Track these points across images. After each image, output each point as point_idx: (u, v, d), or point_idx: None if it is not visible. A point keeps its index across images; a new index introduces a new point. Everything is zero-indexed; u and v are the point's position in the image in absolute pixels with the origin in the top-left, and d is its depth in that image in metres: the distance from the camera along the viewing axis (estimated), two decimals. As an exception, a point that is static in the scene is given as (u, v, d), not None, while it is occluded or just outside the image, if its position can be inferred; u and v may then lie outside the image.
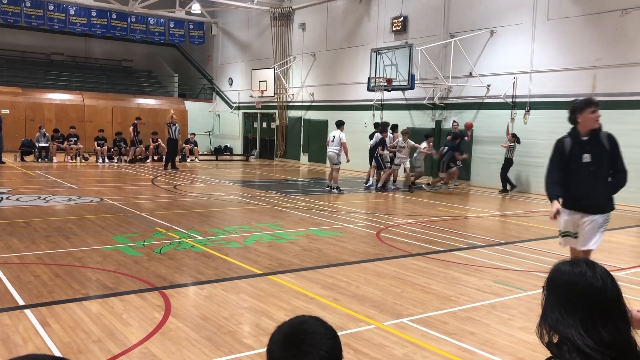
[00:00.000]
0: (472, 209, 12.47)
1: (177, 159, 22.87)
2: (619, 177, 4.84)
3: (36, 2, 25.09)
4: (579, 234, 5.00)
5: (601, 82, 14.05)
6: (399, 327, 4.75)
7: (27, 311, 4.82)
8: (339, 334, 1.49)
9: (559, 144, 4.97)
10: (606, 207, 4.93)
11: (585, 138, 4.79)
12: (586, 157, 4.78)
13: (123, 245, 7.47)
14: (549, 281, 1.76)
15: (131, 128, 22.64)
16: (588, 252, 5.00)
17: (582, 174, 4.81)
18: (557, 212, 4.88)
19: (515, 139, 15.29)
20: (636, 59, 13.39)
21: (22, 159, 20.88)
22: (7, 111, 24.67)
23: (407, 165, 15.76)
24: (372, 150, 15.26)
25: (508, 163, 15.42)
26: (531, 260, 7.41)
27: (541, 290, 1.79)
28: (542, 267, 7.02)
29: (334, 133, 14.42)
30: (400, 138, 15.64)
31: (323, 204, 12.25)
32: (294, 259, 7.08)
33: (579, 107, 4.78)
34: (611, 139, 4.82)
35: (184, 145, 24.13)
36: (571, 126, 4.91)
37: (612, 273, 1.73)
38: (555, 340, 1.71)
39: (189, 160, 23.67)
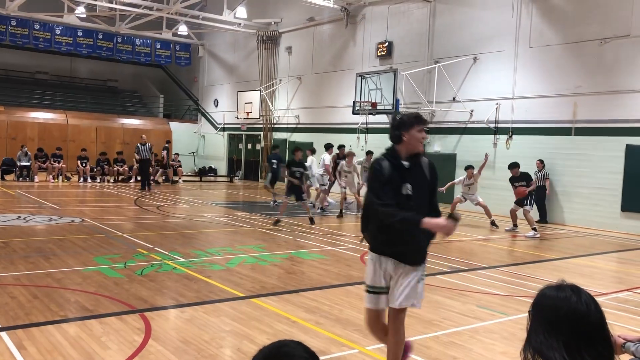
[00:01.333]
0: (455, 233, 12.49)
1: (161, 179, 22.75)
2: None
3: (22, 21, 25.03)
4: (392, 289, 3.75)
5: (581, 110, 14.32)
6: (382, 351, 4.71)
7: (3, 334, 4.71)
8: (322, 358, 1.48)
9: (378, 166, 3.76)
10: (425, 256, 3.83)
11: (406, 163, 3.75)
12: (407, 188, 3.69)
13: (104, 267, 7.36)
14: (534, 305, 1.79)
15: (164, 152, 22.88)
16: (400, 311, 3.76)
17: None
18: (451, 223, 3.59)
19: (542, 165, 14.33)
20: (615, 87, 13.69)
21: (3, 178, 20.59)
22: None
23: (354, 190, 14.54)
24: (276, 171, 14.59)
25: (540, 192, 13.97)
26: (514, 285, 7.44)
27: (524, 315, 1.80)
28: (524, 291, 7.04)
29: (322, 156, 14.71)
30: (344, 162, 14.41)
31: (307, 227, 12.21)
32: (277, 282, 7.03)
33: (407, 123, 3.75)
34: (433, 167, 3.84)
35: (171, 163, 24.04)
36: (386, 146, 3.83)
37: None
38: (539, 364, 1.72)
39: (172, 180, 23.52)
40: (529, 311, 1.80)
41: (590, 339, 1.67)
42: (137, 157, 19.35)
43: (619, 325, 5.65)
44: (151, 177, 19.62)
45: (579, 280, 6.24)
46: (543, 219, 14.50)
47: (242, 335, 4.96)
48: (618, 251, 11.00)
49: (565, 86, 14.65)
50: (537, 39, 15.30)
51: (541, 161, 14.48)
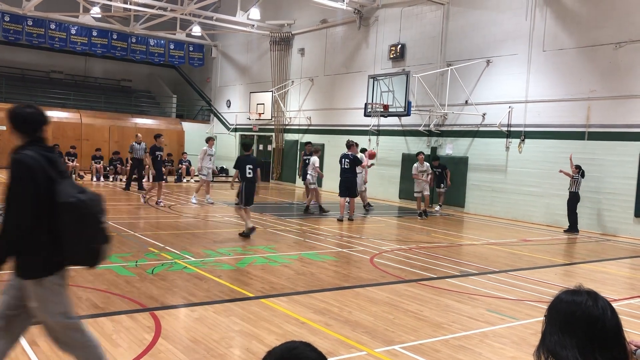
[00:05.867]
0: (466, 236, 12.46)
1: (165, 178, 22.84)
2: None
3: (38, 21, 25.32)
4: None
5: (595, 114, 14.20)
6: (390, 354, 4.71)
7: (16, 330, 4.76)
8: None
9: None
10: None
11: None
12: None
13: (115, 265, 7.42)
14: (549, 309, 1.81)
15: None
16: None
17: None
18: None
19: (579, 171, 13.51)
20: (629, 91, 13.57)
21: (17, 176, 20.80)
22: (4, 127, 24.71)
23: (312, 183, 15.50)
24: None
25: (574, 198, 13.59)
26: (524, 290, 7.40)
27: (534, 320, 1.82)
28: (535, 296, 7.00)
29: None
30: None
31: (317, 228, 12.23)
32: (287, 283, 7.05)
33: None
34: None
35: (179, 165, 24.18)
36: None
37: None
38: (552, 366, 1.73)
39: (184, 180, 23.65)
40: (544, 315, 1.81)
41: (604, 343, 1.69)
42: (131, 155, 19.16)
43: (632, 332, 5.60)
44: (144, 179, 19.44)
45: (590, 286, 6.17)
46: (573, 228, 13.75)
47: (251, 335, 4.98)
48: (631, 257, 10.89)
49: (579, 90, 14.54)
50: (551, 42, 15.20)
51: (577, 167, 13.56)
